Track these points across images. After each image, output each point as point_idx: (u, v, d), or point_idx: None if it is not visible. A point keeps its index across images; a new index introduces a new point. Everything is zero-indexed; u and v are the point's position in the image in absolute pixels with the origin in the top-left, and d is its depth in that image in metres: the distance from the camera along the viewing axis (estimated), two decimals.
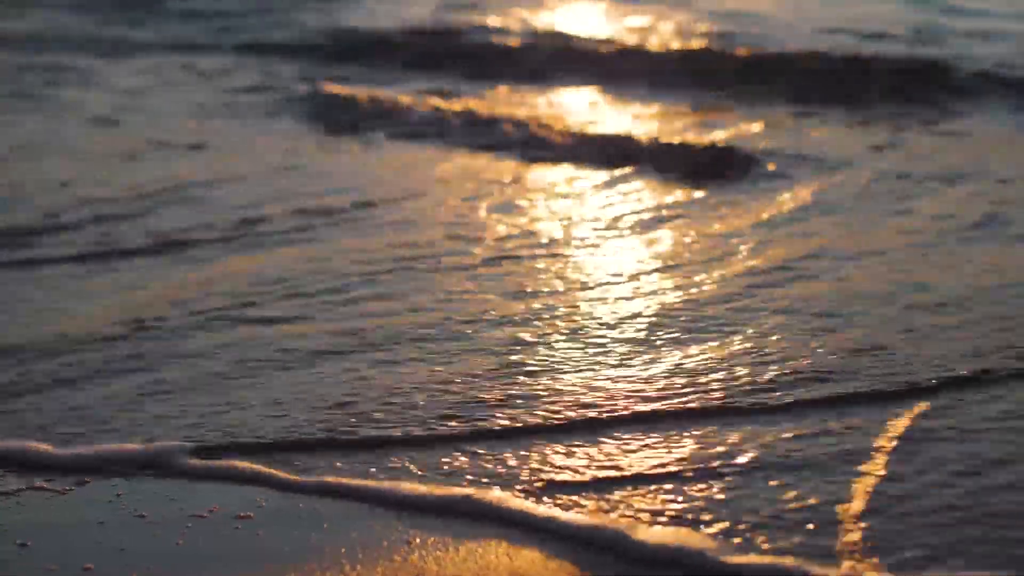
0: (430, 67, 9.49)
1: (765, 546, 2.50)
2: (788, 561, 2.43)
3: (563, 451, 3.07)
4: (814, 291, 4.20)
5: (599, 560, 2.60)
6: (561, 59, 9.35)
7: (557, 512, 2.72)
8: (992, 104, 7.40)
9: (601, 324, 3.95)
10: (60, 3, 12.71)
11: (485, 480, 2.94)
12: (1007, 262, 4.46)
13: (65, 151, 7.02)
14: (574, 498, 2.80)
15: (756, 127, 7.06)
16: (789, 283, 4.29)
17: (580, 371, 3.56)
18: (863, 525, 2.57)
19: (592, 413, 3.25)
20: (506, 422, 3.23)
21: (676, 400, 3.32)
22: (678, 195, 5.63)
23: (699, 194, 5.63)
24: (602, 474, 2.90)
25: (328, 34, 10.93)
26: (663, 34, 10.21)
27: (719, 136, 6.81)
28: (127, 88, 9.16)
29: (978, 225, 4.94)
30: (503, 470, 2.99)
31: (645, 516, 2.71)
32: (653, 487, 2.84)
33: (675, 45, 9.49)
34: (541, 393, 3.42)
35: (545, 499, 2.80)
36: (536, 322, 3.99)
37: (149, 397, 3.53)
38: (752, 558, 2.46)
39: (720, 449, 3.02)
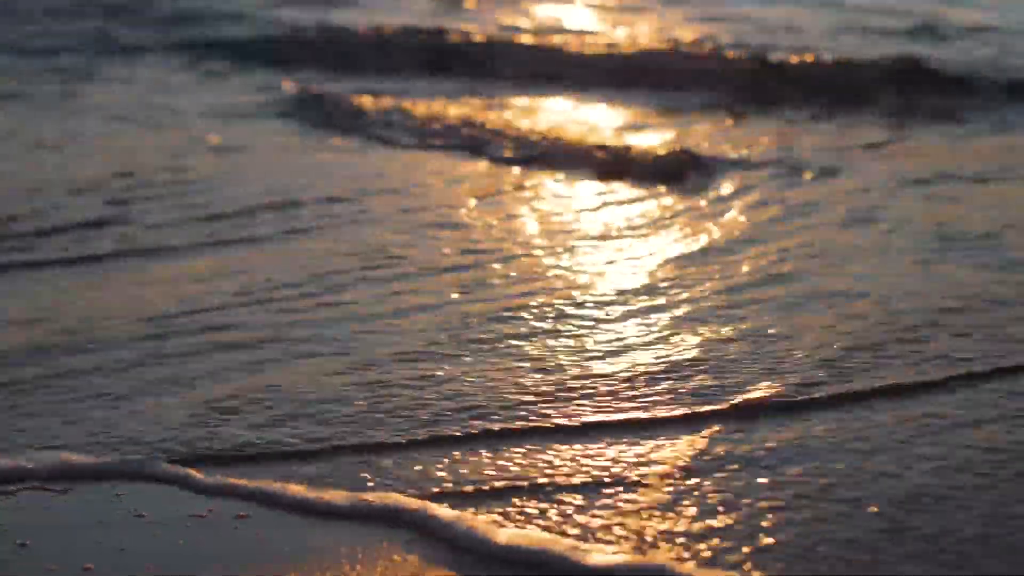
0: (420, 68, 9.48)
1: (627, 549, 2.57)
2: (655, 559, 2.50)
3: (449, 461, 3.08)
4: (721, 299, 4.17)
5: (466, 560, 2.63)
6: (551, 61, 9.32)
7: (439, 513, 2.77)
8: (994, 107, 7.36)
9: (506, 333, 3.92)
10: (53, 7, 12.69)
11: (372, 486, 2.96)
12: (931, 274, 4.36)
13: (60, 152, 7.04)
14: (456, 505, 2.83)
15: (735, 131, 7.03)
16: (687, 290, 4.26)
17: (467, 381, 3.55)
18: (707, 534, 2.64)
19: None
20: (401, 431, 3.25)
21: (535, 413, 3.31)
22: (639, 200, 5.61)
23: (655, 199, 5.60)
24: (484, 486, 2.94)
25: (319, 34, 10.90)
26: (656, 37, 10.18)
27: (694, 141, 6.76)
28: (124, 90, 9.17)
29: (929, 233, 4.82)
30: (391, 478, 3.01)
31: (515, 521, 2.75)
32: (522, 496, 2.87)
33: (670, 48, 9.43)
34: (431, 402, 3.42)
35: (432, 505, 2.83)
36: (453, 330, 3.96)
37: (55, 407, 3.49)
38: (614, 559, 2.52)
39: (578, 462, 3.03)
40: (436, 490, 2.92)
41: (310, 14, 12.04)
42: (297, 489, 2.95)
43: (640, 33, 10.52)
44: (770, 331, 3.82)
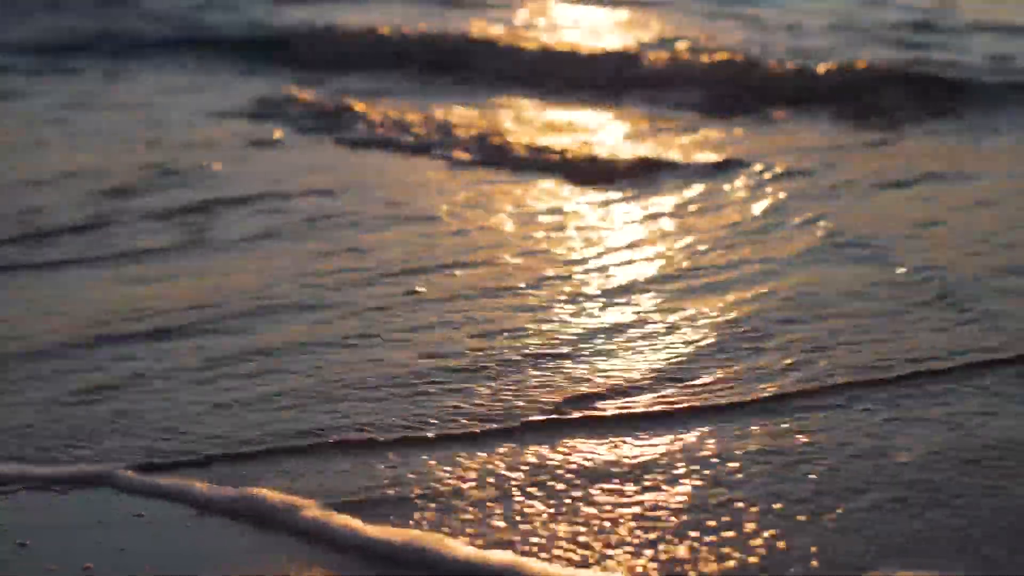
0: (412, 68, 9.44)
1: (483, 544, 2.67)
2: (523, 560, 2.59)
3: (320, 469, 3.09)
4: (614, 301, 4.18)
5: (345, 559, 2.67)
6: (543, 62, 9.25)
7: (311, 513, 2.83)
8: (991, 108, 7.24)
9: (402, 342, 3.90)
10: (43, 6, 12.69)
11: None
12: (841, 280, 4.27)
13: (52, 152, 7.06)
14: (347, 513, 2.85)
15: (711, 135, 6.93)
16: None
17: (352, 382, 3.57)
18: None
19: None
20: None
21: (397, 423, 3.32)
22: (588, 203, 5.59)
23: (604, 203, 5.57)
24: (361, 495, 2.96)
25: (314, 32, 10.84)
26: (650, 38, 10.13)
27: (664, 145, 6.71)
28: (114, 88, 9.18)
29: (835, 244, 4.70)
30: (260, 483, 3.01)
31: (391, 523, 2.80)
32: (389, 503, 2.90)
33: (657, 52, 9.32)
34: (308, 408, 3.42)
35: (304, 502, 2.87)
36: (367, 337, 3.96)
37: None
38: (492, 556, 2.61)
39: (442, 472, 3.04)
40: (310, 496, 2.93)
41: (307, 11, 12.02)
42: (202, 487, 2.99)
43: (634, 34, 10.50)
44: (637, 335, 3.84)
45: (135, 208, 5.70)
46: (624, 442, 3.14)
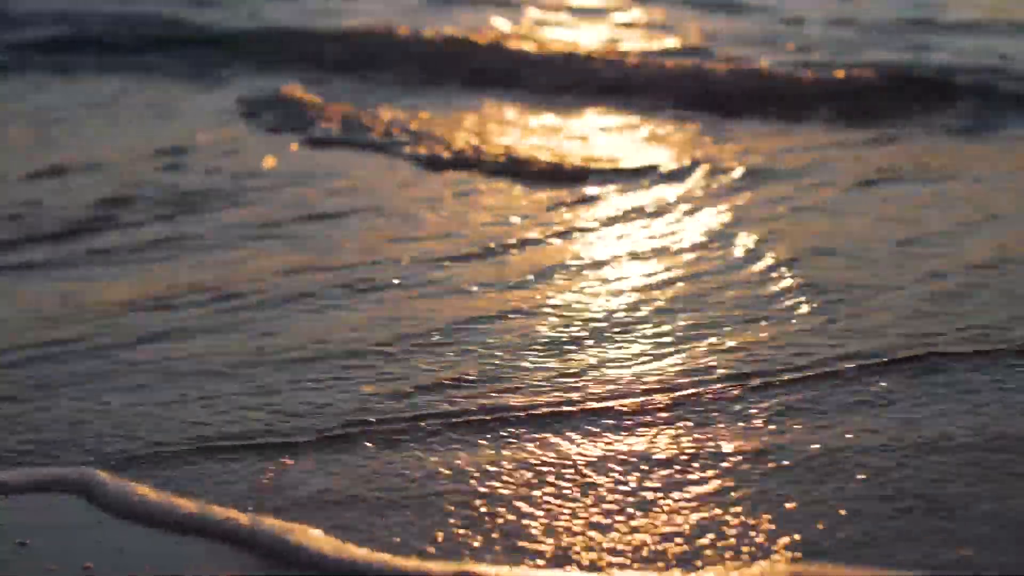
0: (401, 68, 9.41)
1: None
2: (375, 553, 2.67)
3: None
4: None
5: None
6: (541, 66, 9.17)
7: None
8: (981, 111, 7.14)
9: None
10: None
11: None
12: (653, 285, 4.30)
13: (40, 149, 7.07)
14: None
15: (675, 137, 6.84)
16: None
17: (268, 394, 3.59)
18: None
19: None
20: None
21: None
22: (525, 204, 5.61)
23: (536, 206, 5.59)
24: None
25: (303, 33, 10.79)
26: (639, 38, 10.09)
27: (626, 147, 6.68)
28: (104, 88, 9.20)
29: (707, 242, 4.74)
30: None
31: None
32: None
33: (649, 52, 9.21)
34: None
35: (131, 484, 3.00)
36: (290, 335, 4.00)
37: None
38: (351, 549, 2.69)
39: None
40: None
41: (307, 10, 11.99)
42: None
43: (631, 32, 10.47)
44: (515, 328, 3.91)
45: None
46: (478, 438, 3.17)
